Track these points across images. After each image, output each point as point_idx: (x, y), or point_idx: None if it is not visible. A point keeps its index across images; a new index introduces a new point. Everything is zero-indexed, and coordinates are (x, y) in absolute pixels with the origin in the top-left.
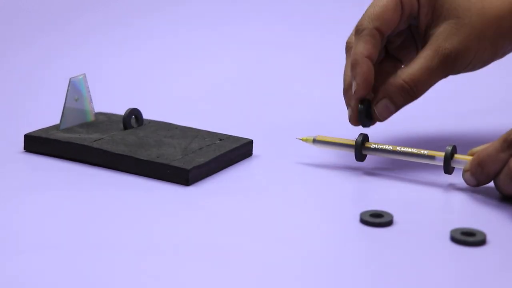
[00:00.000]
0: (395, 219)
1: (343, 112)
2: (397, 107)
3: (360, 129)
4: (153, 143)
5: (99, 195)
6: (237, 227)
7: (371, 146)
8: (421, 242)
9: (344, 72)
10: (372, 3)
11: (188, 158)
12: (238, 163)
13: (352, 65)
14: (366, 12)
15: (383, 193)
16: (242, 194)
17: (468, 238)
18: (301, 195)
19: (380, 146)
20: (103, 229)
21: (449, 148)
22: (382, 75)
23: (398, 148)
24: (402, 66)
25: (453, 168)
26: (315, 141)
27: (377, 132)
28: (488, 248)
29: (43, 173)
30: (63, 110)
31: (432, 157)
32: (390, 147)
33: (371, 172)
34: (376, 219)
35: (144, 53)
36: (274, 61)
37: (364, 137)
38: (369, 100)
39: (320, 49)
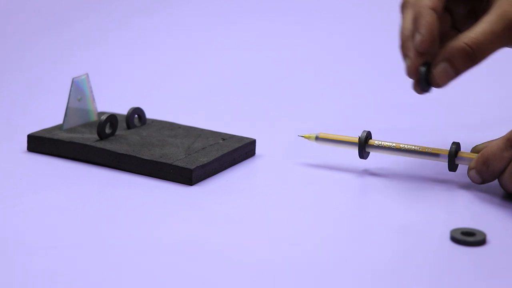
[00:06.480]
0: (395, 218)
1: (346, 110)
2: (457, 72)
3: (361, 128)
4: (156, 143)
5: (102, 195)
6: (240, 227)
7: (375, 144)
8: (421, 242)
9: (403, 26)
10: None
11: (191, 157)
12: (241, 163)
13: (416, 17)
14: None
15: (385, 192)
16: (245, 194)
17: (468, 238)
18: (303, 195)
19: (384, 144)
20: (106, 228)
21: (454, 146)
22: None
23: (401, 145)
24: None
25: (457, 165)
26: (317, 138)
27: (380, 129)
28: (488, 248)
29: (46, 173)
30: (66, 110)
31: (436, 155)
32: (393, 144)
33: (373, 170)
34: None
35: (147, 52)
36: (277, 60)
37: (368, 134)
38: (430, 64)
39: (323, 48)
